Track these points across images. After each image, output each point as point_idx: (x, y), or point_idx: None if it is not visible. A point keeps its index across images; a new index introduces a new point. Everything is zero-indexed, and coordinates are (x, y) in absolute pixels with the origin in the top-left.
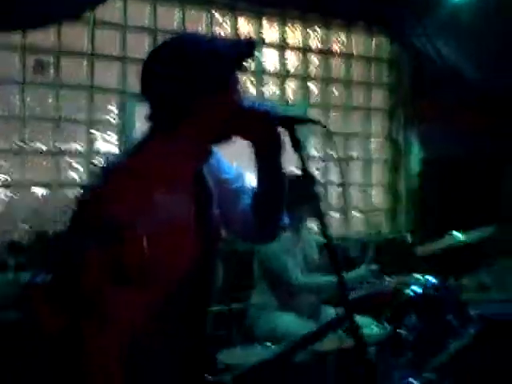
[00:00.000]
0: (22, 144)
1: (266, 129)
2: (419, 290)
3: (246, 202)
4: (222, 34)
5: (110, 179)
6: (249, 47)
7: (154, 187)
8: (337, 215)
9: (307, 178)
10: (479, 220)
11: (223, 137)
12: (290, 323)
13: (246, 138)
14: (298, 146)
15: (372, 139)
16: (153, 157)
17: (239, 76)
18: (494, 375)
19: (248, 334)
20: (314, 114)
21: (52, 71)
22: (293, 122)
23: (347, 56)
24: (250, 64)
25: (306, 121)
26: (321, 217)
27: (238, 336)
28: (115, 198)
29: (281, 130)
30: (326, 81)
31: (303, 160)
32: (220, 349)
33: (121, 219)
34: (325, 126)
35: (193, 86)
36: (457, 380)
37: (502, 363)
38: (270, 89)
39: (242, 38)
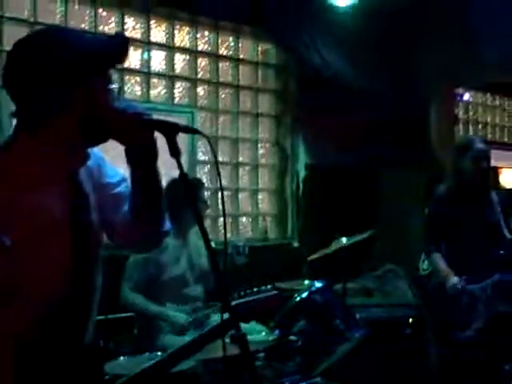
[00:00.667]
0: None
1: (140, 133)
2: (305, 295)
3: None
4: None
5: None
6: (120, 44)
7: (21, 192)
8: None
9: (188, 183)
10: (361, 224)
11: (95, 138)
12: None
13: (119, 140)
14: (176, 153)
15: (260, 144)
16: (18, 158)
17: (114, 76)
18: (381, 376)
19: (138, 343)
20: (202, 117)
21: None
22: (172, 129)
23: (235, 60)
24: (136, 64)
25: (185, 129)
26: (201, 221)
27: (127, 346)
28: None
29: (158, 135)
30: (214, 84)
31: (181, 167)
32: (107, 360)
33: None
34: (205, 135)
35: (57, 81)
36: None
37: (386, 364)
38: (158, 90)
39: (114, 34)
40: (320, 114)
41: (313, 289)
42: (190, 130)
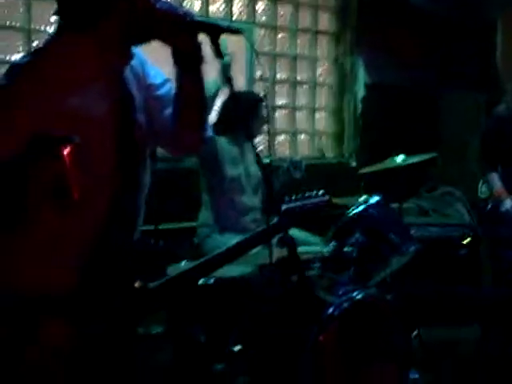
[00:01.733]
0: None
1: (185, 33)
2: (362, 208)
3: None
4: None
5: (17, 80)
6: None
7: (67, 90)
8: (282, 138)
9: (232, 87)
10: (421, 145)
11: (140, 39)
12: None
13: (163, 40)
14: (220, 54)
15: (318, 62)
16: (64, 57)
17: None
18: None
19: (196, 251)
20: (260, 34)
21: None
22: (214, 30)
23: None
24: None
25: (227, 29)
26: (251, 135)
27: (187, 253)
28: (24, 103)
29: (203, 37)
30: (273, 1)
31: (226, 70)
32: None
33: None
34: (245, 35)
35: None
36: (398, 295)
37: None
38: (216, 6)
39: None
40: (381, 31)
41: (368, 203)
42: (233, 31)
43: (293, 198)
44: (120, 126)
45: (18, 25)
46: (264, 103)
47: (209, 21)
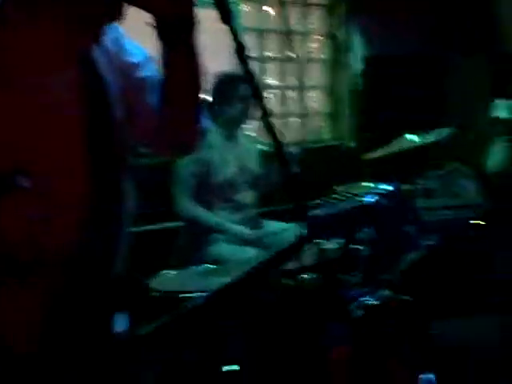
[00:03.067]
0: None
1: None
2: (372, 199)
3: (157, 97)
4: None
5: None
6: None
7: (18, 87)
8: (275, 121)
9: (244, 59)
10: (426, 121)
11: (110, 8)
12: (225, 245)
13: (144, 8)
14: (228, 17)
15: (311, 37)
16: (12, 40)
17: None
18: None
19: (182, 256)
20: (249, 8)
21: None
22: None
23: None
24: None
25: None
26: (265, 117)
27: (170, 258)
28: None
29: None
30: None
31: (236, 35)
32: (150, 273)
33: None
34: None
35: None
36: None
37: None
38: None
39: None
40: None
41: (381, 192)
42: None
43: (320, 201)
44: (91, 126)
45: None
46: (254, 82)
47: None
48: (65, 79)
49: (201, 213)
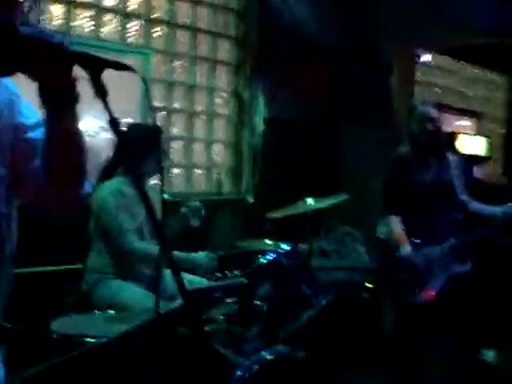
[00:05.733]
0: None
1: (57, 65)
2: (271, 257)
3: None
4: None
5: None
6: None
7: None
8: (178, 171)
9: (118, 129)
10: (321, 183)
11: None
12: (132, 291)
13: (30, 73)
14: (102, 93)
15: (217, 93)
16: None
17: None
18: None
19: (85, 297)
20: (157, 60)
21: None
22: (97, 65)
23: (194, 2)
24: None
25: (113, 65)
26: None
27: (73, 302)
28: None
29: (82, 72)
30: (170, 26)
31: (109, 111)
32: (50, 317)
33: None
34: (136, 72)
35: None
36: (309, 351)
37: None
38: (110, 28)
39: None
40: (281, 64)
41: (280, 251)
42: (120, 67)
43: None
44: None
45: None
46: (161, 135)
47: (90, 53)
48: None
49: (154, 247)
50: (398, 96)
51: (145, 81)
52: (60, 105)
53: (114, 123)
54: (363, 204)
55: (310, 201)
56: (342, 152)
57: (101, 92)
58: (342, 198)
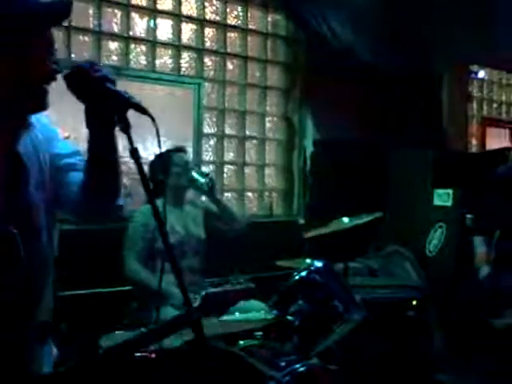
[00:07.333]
0: None
1: (99, 96)
2: (304, 274)
3: (80, 177)
4: None
5: None
6: (64, 6)
7: None
8: (231, 195)
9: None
10: (369, 204)
11: (34, 103)
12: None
13: (78, 99)
14: (126, 128)
15: (267, 118)
16: None
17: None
18: (379, 359)
19: (136, 316)
20: (208, 89)
21: None
22: (121, 105)
23: (244, 30)
24: (142, 32)
25: (133, 106)
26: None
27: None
28: None
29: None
30: (221, 55)
31: (131, 142)
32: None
33: None
34: (152, 116)
35: None
36: (342, 365)
37: (387, 347)
38: (163, 60)
39: None
40: (329, 87)
41: (312, 268)
42: (139, 109)
43: (215, 282)
44: (12, 203)
45: None
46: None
47: (117, 92)
48: None
49: (144, 276)
50: (452, 114)
51: (154, 121)
52: (101, 127)
53: (134, 153)
54: (411, 222)
55: (344, 220)
56: (389, 170)
57: (125, 127)
58: (376, 215)
